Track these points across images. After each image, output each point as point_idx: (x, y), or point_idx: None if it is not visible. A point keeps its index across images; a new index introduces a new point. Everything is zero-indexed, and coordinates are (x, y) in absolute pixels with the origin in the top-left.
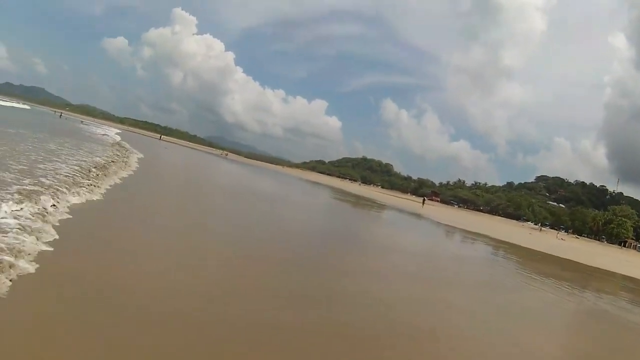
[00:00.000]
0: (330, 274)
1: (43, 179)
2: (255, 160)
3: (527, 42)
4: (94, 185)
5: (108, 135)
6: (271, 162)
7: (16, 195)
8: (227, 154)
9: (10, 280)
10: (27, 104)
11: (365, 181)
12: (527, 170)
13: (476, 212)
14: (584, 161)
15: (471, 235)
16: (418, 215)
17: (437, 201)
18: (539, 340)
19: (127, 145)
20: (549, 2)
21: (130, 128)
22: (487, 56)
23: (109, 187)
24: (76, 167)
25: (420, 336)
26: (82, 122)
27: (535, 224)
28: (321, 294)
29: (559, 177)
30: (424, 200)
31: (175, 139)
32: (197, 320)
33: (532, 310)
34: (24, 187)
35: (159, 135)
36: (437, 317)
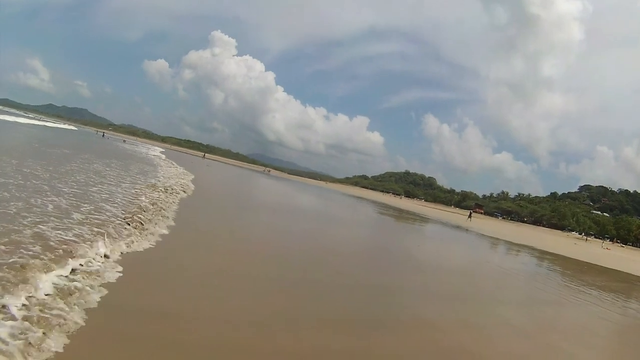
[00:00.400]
0: (376, 293)
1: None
2: (297, 177)
3: (566, 51)
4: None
5: (150, 154)
6: (314, 178)
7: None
8: (270, 170)
9: None
10: (72, 125)
11: (409, 195)
12: (570, 180)
13: (520, 223)
14: (628, 169)
15: (517, 247)
16: (462, 228)
17: (481, 213)
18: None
19: (173, 163)
20: (585, 11)
21: (173, 147)
22: (526, 67)
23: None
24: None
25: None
26: (124, 140)
27: (580, 234)
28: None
29: (602, 186)
30: (470, 213)
31: (217, 157)
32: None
33: (584, 325)
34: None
35: (202, 154)
36: (492, 339)
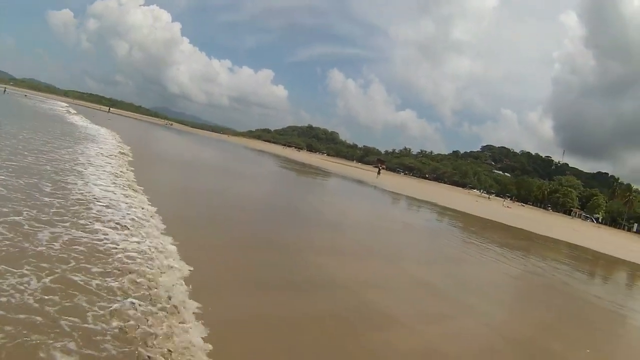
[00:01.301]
0: (288, 250)
1: None
2: (200, 130)
3: (479, 18)
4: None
5: (55, 110)
6: (216, 131)
7: None
8: (171, 124)
9: None
10: None
11: (311, 149)
12: (473, 139)
13: (422, 179)
14: (530, 133)
15: (420, 203)
16: (365, 184)
17: (383, 168)
18: (504, 316)
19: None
20: None
21: (76, 101)
22: (437, 30)
23: None
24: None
25: (391, 319)
26: (25, 95)
27: (481, 192)
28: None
29: (504, 147)
30: (379, 170)
31: (122, 111)
32: None
33: (494, 283)
34: None
35: (108, 108)
36: (405, 298)
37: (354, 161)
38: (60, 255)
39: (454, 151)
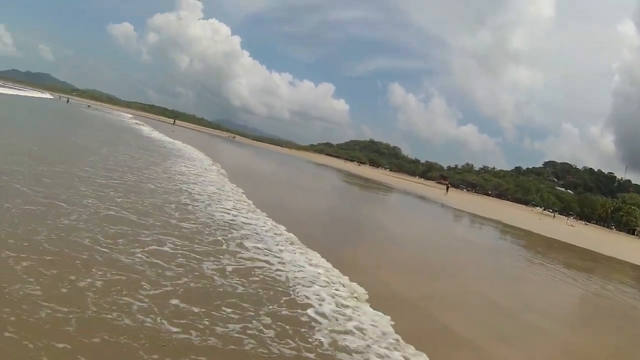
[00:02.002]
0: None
1: None
2: (262, 143)
3: (535, 26)
4: None
5: (123, 121)
6: (278, 144)
7: None
8: (234, 137)
9: None
10: (41, 91)
11: (373, 164)
12: (534, 155)
13: (485, 196)
14: (592, 148)
15: (484, 220)
16: (428, 200)
17: (446, 185)
18: (573, 338)
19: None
20: None
21: (138, 112)
22: (494, 39)
23: None
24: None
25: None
26: (88, 106)
27: (546, 209)
28: None
29: (567, 163)
30: (447, 187)
31: (186, 123)
32: None
33: (560, 304)
34: None
35: (173, 120)
36: (472, 315)
37: (417, 177)
38: (249, 291)
39: (516, 167)
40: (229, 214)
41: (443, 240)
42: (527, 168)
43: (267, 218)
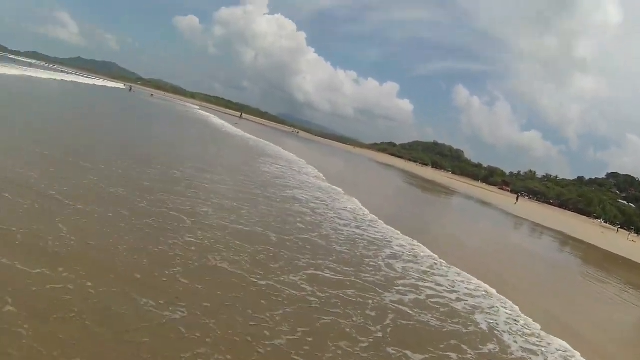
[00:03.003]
0: None
1: None
2: (325, 139)
3: (601, 33)
4: None
5: (194, 113)
6: (341, 142)
7: None
8: (298, 132)
9: None
10: (114, 80)
11: (436, 166)
12: (597, 165)
13: (545, 204)
14: None
15: (545, 230)
16: (494, 207)
17: (507, 191)
18: None
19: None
20: None
21: (203, 103)
22: (560, 46)
23: None
24: None
25: None
26: (151, 95)
27: (607, 222)
28: None
29: (630, 176)
30: (517, 197)
31: (251, 116)
32: None
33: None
34: None
35: (240, 114)
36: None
37: (479, 181)
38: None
39: (578, 177)
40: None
41: (503, 247)
42: (590, 178)
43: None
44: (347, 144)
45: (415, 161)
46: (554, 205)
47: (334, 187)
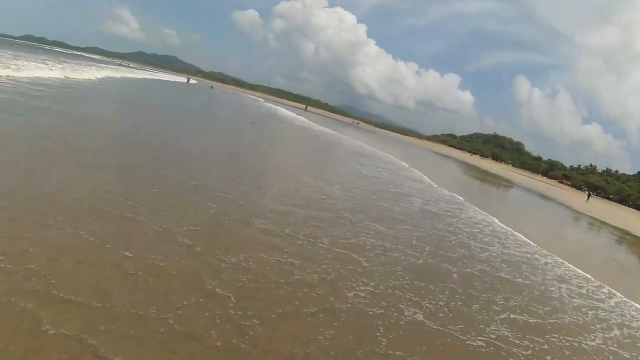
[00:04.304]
0: None
1: None
2: (385, 130)
3: None
4: None
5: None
6: (401, 133)
7: None
8: (358, 123)
9: None
10: (186, 76)
11: (496, 158)
12: None
13: (606, 200)
14: None
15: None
16: (570, 208)
17: (568, 184)
18: None
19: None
20: None
21: (264, 95)
22: (620, 37)
23: None
24: None
25: None
26: (211, 87)
27: None
28: None
29: None
30: (589, 195)
31: (314, 108)
32: None
33: None
34: None
35: (305, 106)
36: None
37: (539, 174)
38: None
39: (639, 172)
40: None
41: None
42: None
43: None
44: (407, 135)
45: (475, 153)
46: (614, 201)
47: (456, 196)
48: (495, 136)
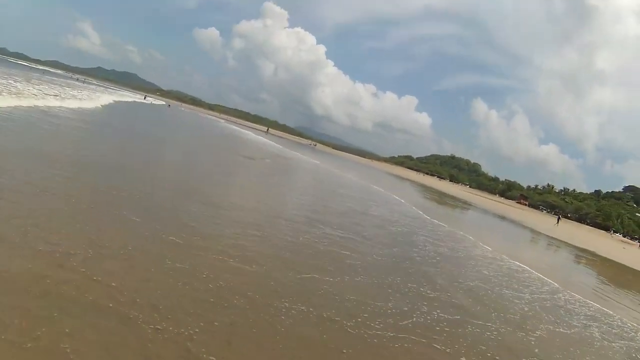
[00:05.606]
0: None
1: None
2: (343, 152)
3: (621, 46)
4: None
5: (226, 127)
6: (359, 155)
7: None
8: (315, 145)
9: None
10: (153, 96)
11: (453, 179)
12: (614, 179)
13: (564, 219)
14: None
15: (579, 251)
16: (537, 232)
17: (525, 205)
18: None
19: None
20: None
21: (222, 115)
22: (579, 60)
23: None
24: None
25: None
26: (168, 105)
27: (626, 237)
28: None
29: None
30: (559, 218)
31: (277, 131)
32: None
33: None
34: None
35: (266, 128)
36: None
37: (496, 195)
38: None
39: (595, 190)
40: None
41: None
42: (607, 192)
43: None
44: (364, 157)
45: (432, 175)
46: (572, 219)
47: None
48: (453, 158)
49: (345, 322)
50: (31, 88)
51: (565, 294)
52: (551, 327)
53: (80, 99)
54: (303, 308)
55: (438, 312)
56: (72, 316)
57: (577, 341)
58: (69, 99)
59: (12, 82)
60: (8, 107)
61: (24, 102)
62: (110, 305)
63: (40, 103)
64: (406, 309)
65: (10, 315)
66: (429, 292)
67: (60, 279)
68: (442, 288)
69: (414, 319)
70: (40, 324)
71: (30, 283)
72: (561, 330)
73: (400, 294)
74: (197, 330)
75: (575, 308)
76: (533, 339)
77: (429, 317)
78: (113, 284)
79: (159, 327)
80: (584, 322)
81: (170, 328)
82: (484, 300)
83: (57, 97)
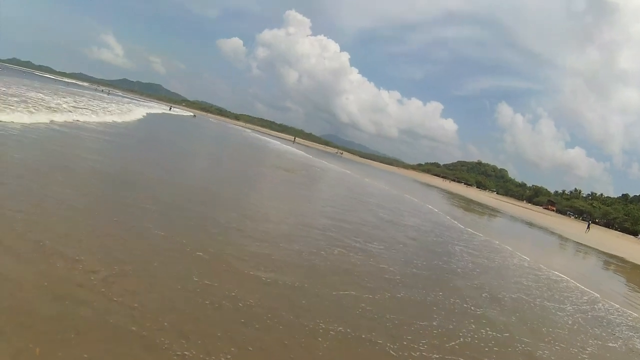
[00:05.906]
0: None
1: None
2: (369, 160)
3: None
4: None
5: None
6: (385, 162)
7: None
8: (342, 153)
9: None
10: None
11: (480, 186)
12: None
13: (593, 225)
14: None
15: (611, 259)
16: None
17: (553, 210)
18: None
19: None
20: None
21: (250, 125)
22: (601, 59)
23: None
24: None
25: None
26: (194, 116)
27: None
28: None
29: None
30: (588, 224)
31: (303, 140)
32: None
33: None
34: None
35: (293, 137)
36: None
37: (524, 201)
38: None
39: (623, 194)
40: None
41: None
42: (635, 195)
43: None
44: (391, 165)
45: (459, 181)
46: (600, 225)
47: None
48: (479, 164)
49: (387, 344)
50: (59, 101)
51: (605, 303)
52: (600, 342)
53: (111, 112)
54: (341, 329)
55: (487, 330)
56: (90, 340)
57: (625, 353)
58: (104, 113)
59: (41, 95)
60: (43, 122)
61: (58, 117)
62: (133, 329)
63: (78, 117)
64: (451, 326)
65: (24, 339)
66: (472, 308)
67: (78, 299)
68: (486, 303)
69: (461, 339)
70: (57, 349)
71: (46, 303)
72: (610, 345)
73: (444, 311)
74: (229, 357)
75: (616, 318)
76: (586, 356)
77: (476, 336)
78: (135, 304)
79: (187, 353)
80: (627, 333)
81: (201, 356)
82: (528, 315)
83: (92, 112)
